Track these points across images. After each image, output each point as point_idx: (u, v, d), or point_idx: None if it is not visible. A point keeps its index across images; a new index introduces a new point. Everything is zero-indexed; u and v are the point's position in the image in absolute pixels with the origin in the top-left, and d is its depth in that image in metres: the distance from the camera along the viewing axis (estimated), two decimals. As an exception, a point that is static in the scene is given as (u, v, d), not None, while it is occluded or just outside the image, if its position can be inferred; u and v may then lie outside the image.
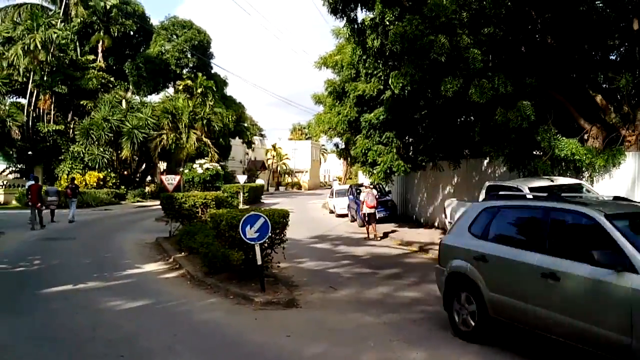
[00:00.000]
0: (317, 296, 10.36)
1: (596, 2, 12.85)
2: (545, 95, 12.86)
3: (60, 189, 27.77)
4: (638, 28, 12.31)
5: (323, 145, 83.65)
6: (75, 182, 28.67)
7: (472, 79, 12.17)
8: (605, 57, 14.21)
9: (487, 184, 13.49)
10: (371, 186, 20.63)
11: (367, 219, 19.75)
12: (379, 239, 19.16)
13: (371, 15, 15.19)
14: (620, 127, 12.98)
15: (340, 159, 45.59)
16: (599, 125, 13.37)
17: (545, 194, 6.88)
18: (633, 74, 12.48)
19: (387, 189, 25.61)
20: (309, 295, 10.35)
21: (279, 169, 76.74)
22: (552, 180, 12.21)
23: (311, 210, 35.03)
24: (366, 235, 19.43)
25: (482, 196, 13.16)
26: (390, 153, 17.56)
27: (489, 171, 17.67)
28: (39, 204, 20.95)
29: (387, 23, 13.57)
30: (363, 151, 18.49)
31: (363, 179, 26.28)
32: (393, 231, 20.97)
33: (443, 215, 16.22)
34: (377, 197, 19.94)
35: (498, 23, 12.31)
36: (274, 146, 76.04)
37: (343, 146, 26.83)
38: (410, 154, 18.89)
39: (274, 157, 74.75)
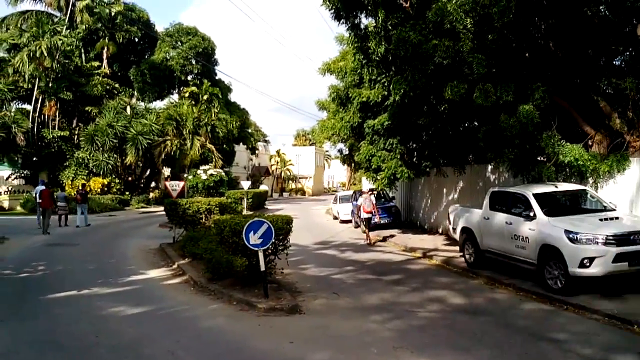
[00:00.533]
0: (321, 302, 10.34)
1: (600, 7, 12.81)
2: (550, 100, 12.83)
3: (66, 194, 27.89)
4: (642, 33, 12.29)
5: (327, 151, 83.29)
6: (86, 187, 28.76)
7: (476, 84, 12.16)
8: (610, 62, 14.17)
9: (491, 190, 13.45)
10: (368, 191, 20.79)
11: (365, 223, 20.06)
12: (372, 243, 19.39)
13: (374, 22, 15.24)
14: (625, 132, 12.93)
15: (344, 164, 45.68)
16: (603, 130, 13.32)
17: None
18: (637, 79, 12.45)
19: (391, 194, 25.57)
20: (313, 302, 10.32)
21: (282, 174, 76.68)
22: (556, 187, 12.18)
23: (315, 216, 35.01)
24: (368, 241, 19.52)
25: (485, 203, 13.13)
26: (394, 159, 17.53)
27: (493, 177, 17.63)
28: (53, 206, 21.80)
29: (390, 28, 13.62)
30: (367, 157, 18.47)
31: (367, 185, 26.25)
32: (392, 236, 21.02)
33: (447, 222, 16.17)
34: (374, 202, 20.16)
35: (502, 29, 12.31)
36: (277, 152, 76.04)
37: (347, 152, 26.83)
38: (414, 160, 18.84)
39: (277, 163, 74.72)
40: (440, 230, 20.94)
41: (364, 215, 19.79)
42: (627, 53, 13.80)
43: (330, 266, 14.58)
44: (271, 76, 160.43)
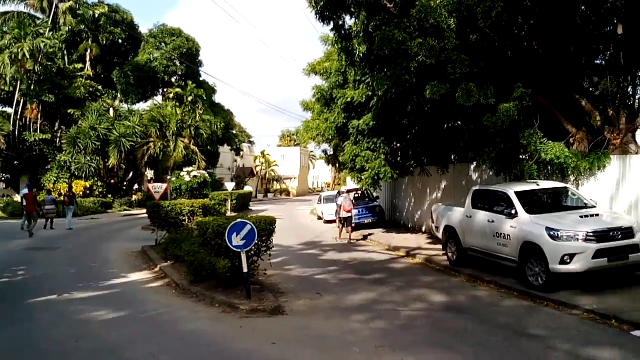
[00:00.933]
0: (303, 303, 10.32)
1: (581, 7, 12.91)
2: (532, 99, 12.93)
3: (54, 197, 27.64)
4: (622, 33, 12.43)
5: (312, 151, 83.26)
6: (72, 189, 28.59)
7: (459, 83, 12.21)
8: (591, 61, 14.32)
9: (473, 188, 13.51)
10: (347, 191, 21.37)
11: (343, 222, 20.67)
12: (351, 241, 19.92)
13: (357, 22, 15.26)
14: (606, 130, 13.08)
15: (328, 165, 45.53)
16: (584, 128, 13.47)
17: None
18: (617, 77, 12.60)
19: (374, 194, 25.64)
20: (295, 302, 10.30)
21: (267, 175, 76.41)
22: (537, 184, 12.25)
23: (299, 216, 34.96)
24: (346, 239, 20.14)
25: (468, 201, 13.19)
26: (377, 159, 17.56)
27: (476, 176, 17.73)
28: (37, 209, 22.06)
29: (371, 30, 13.68)
30: (351, 157, 18.49)
31: (351, 184, 26.36)
32: (370, 234, 21.35)
33: (430, 220, 16.22)
34: (353, 201, 20.96)
35: (485, 28, 12.39)
36: (262, 153, 75.83)
37: (331, 152, 26.81)
38: (398, 159, 18.91)
39: (262, 163, 74.50)
40: (423, 229, 21.02)
41: (344, 214, 20.28)
42: (608, 52, 13.95)
43: (313, 266, 14.58)
44: (256, 77, 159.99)
